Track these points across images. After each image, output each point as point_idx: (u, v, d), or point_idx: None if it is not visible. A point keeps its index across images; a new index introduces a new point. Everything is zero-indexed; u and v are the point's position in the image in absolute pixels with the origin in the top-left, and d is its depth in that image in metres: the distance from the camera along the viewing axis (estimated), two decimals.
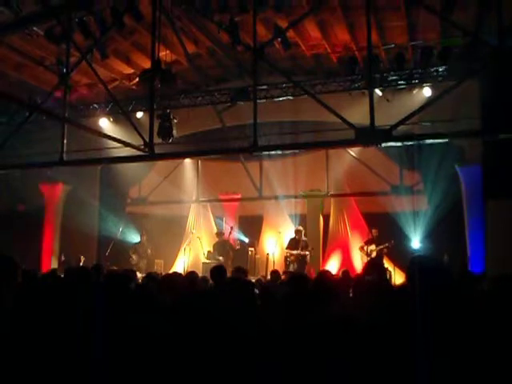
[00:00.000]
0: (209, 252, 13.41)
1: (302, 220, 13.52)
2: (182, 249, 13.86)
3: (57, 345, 2.99)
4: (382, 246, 11.80)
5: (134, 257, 13.06)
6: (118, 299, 3.11)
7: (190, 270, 11.77)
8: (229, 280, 4.89)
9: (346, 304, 3.67)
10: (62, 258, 12.80)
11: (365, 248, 12.14)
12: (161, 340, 3.07)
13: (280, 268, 11.12)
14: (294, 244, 12.30)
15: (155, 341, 3.04)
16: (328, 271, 6.36)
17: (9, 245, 10.50)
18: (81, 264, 11.65)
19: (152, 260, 13.57)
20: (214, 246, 13.27)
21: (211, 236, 14.19)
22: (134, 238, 13.96)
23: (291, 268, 11.81)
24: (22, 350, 3.03)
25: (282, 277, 7.71)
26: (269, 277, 8.76)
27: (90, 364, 2.81)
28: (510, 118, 7.47)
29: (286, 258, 12.28)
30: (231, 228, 13.67)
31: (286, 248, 12.41)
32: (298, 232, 12.47)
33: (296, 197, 13.63)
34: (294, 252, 12.15)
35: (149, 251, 13.37)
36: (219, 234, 13.52)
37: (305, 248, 12.18)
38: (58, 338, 3.03)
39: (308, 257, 12.21)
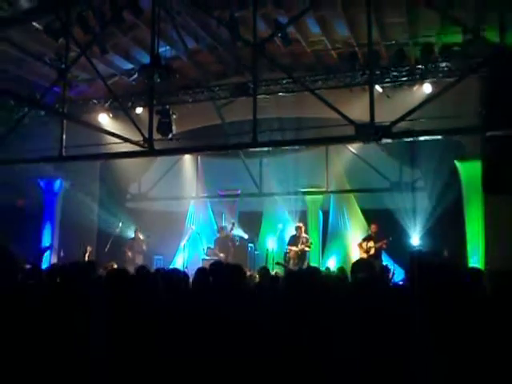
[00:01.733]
0: (208, 248, 13.39)
1: (302, 216, 13.52)
2: (182, 245, 13.85)
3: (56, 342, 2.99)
4: (380, 243, 11.78)
5: (129, 253, 13.02)
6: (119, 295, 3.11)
7: (189, 266, 11.82)
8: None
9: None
10: (61, 254, 12.77)
11: (363, 245, 12.10)
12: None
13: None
14: (294, 240, 12.30)
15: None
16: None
17: (8, 240, 10.46)
18: (87, 255, 11.63)
19: (150, 256, 13.54)
20: (216, 242, 13.24)
21: (210, 232, 14.19)
22: (132, 234, 13.93)
23: (291, 263, 11.83)
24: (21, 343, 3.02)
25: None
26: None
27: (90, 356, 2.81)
28: (509, 113, 7.45)
29: (285, 253, 12.29)
30: (233, 224, 13.64)
31: (287, 244, 12.41)
32: (298, 228, 12.46)
33: (296, 193, 13.62)
34: (294, 248, 12.15)
35: (144, 247, 13.31)
36: (221, 229, 13.50)
37: (305, 244, 12.19)
38: (58, 336, 3.02)
39: (307, 252, 12.21)
